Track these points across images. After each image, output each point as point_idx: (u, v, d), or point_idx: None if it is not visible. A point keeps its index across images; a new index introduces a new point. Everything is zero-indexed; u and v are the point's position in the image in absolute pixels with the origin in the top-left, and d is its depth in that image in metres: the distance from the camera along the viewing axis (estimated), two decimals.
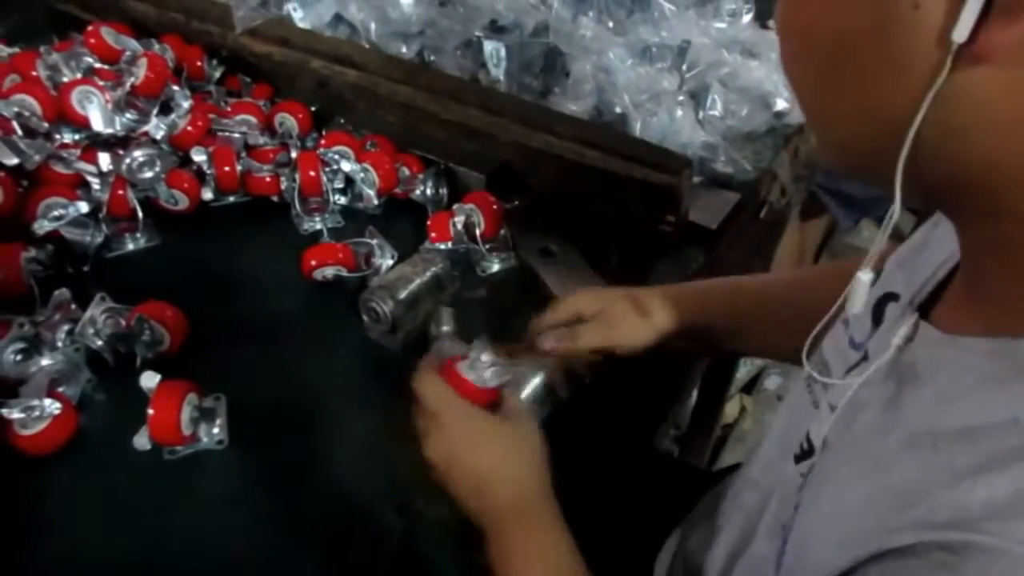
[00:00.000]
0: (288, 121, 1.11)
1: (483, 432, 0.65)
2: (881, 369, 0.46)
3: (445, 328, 0.85)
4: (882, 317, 0.52)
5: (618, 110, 1.10)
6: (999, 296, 0.40)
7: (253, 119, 1.10)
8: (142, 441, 0.74)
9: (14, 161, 0.90)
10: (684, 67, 1.18)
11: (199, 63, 1.18)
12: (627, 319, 0.78)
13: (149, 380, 0.74)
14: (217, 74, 1.20)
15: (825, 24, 0.38)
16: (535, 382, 0.78)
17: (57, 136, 0.97)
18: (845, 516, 0.41)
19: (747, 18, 1.35)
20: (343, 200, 1.05)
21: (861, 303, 0.48)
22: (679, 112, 1.12)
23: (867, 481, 0.41)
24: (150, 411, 0.72)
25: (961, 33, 0.32)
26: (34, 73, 1.02)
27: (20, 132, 0.93)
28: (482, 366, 0.66)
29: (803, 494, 0.49)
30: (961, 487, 0.35)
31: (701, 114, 1.16)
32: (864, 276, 0.47)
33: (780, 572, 0.48)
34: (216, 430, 0.76)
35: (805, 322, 0.67)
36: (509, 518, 0.63)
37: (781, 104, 1.21)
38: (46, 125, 0.96)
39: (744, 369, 1.99)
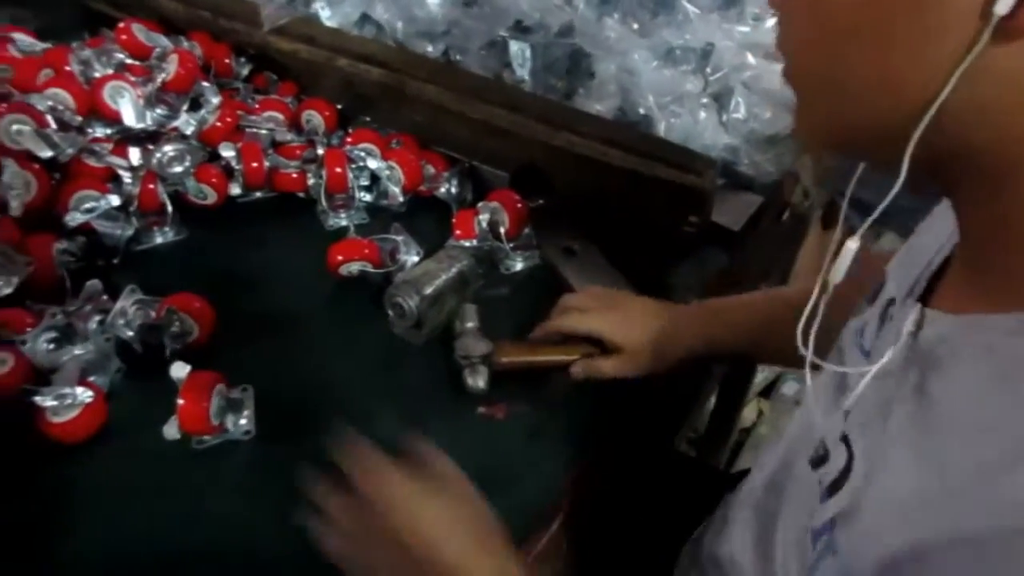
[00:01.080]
0: (315, 118, 1.12)
1: (422, 493, 0.59)
2: (897, 359, 0.45)
3: (469, 324, 0.86)
4: (885, 322, 0.52)
5: (642, 111, 1.11)
6: (1005, 270, 0.40)
7: (280, 116, 1.11)
8: (171, 431, 0.75)
9: (48, 154, 0.91)
10: (708, 69, 1.18)
11: (227, 60, 1.20)
12: (646, 360, 0.83)
13: (179, 371, 0.74)
14: (245, 71, 1.22)
15: None
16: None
17: (89, 130, 0.99)
18: (901, 510, 0.40)
19: (771, 21, 1.35)
20: (368, 197, 1.06)
21: (842, 272, 0.47)
22: (702, 114, 1.12)
23: (917, 472, 0.39)
24: (180, 401, 0.73)
25: (1004, 5, 0.32)
26: (67, 68, 1.04)
27: (54, 125, 0.94)
28: None
29: (842, 505, 0.48)
30: (1019, 470, 0.34)
31: (724, 116, 1.16)
32: (852, 244, 0.46)
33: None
34: (243, 421, 0.77)
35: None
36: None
37: None
38: (79, 119, 0.98)
39: (762, 374, 1.99)
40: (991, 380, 0.38)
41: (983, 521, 0.34)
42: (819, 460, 0.52)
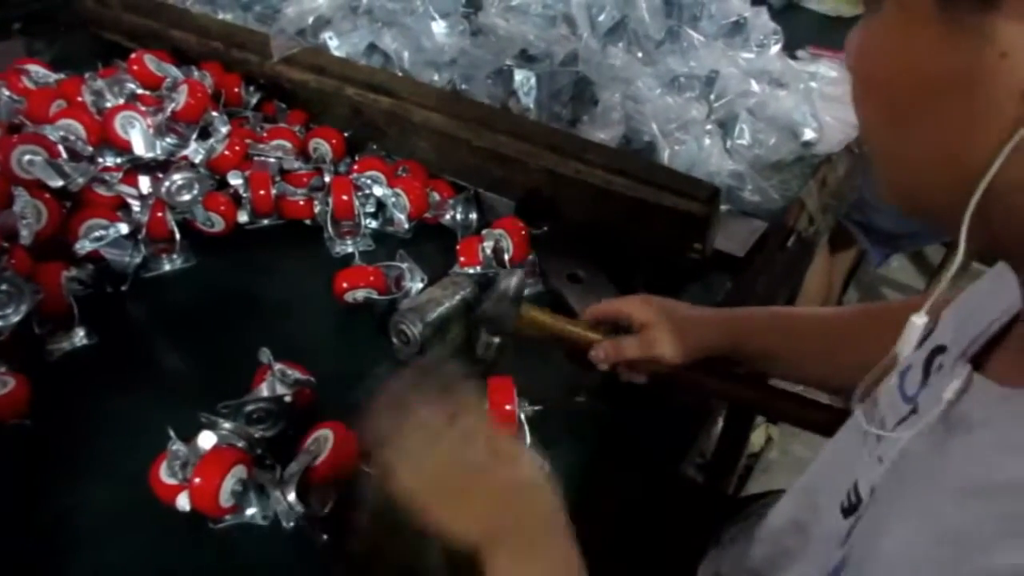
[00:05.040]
0: (322, 146, 1.13)
1: (515, 443, 0.63)
2: (931, 422, 0.45)
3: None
4: (931, 369, 0.52)
5: (647, 138, 1.12)
6: None
7: (288, 144, 1.13)
8: (183, 503, 0.71)
9: (59, 183, 0.93)
10: (712, 96, 1.19)
11: (237, 89, 1.22)
12: (667, 339, 0.79)
13: (205, 441, 0.72)
14: (254, 100, 1.24)
15: (906, 72, 0.39)
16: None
17: (100, 159, 1.00)
18: (907, 565, 0.40)
19: (775, 48, 1.36)
20: (374, 224, 1.07)
21: (911, 347, 0.48)
22: (707, 141, 1.13)
23: (921, 529, 0.40)
24: (195, 477, 0.69)
25: None
26: (79, 99, 1.06)
27: (65, 155, 0.96)
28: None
29: (853, 546, 0.48)
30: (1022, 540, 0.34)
31: (729, 143, 1.17)
32: (918, 320, 0.47)
33: None
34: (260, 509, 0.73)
35: (839, 356, 0.67)
36: (548, 531, 0.57)
37: (809, 134, 1.22)
38: (90, 149, 1.00)
39: None
40: (1010, 448, 0.39)
41: None
42: (851, 508, 0.52)
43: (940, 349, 0.52)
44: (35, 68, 1.14)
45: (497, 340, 0.82)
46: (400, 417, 0.58)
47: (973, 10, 0.35)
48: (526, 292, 0.99)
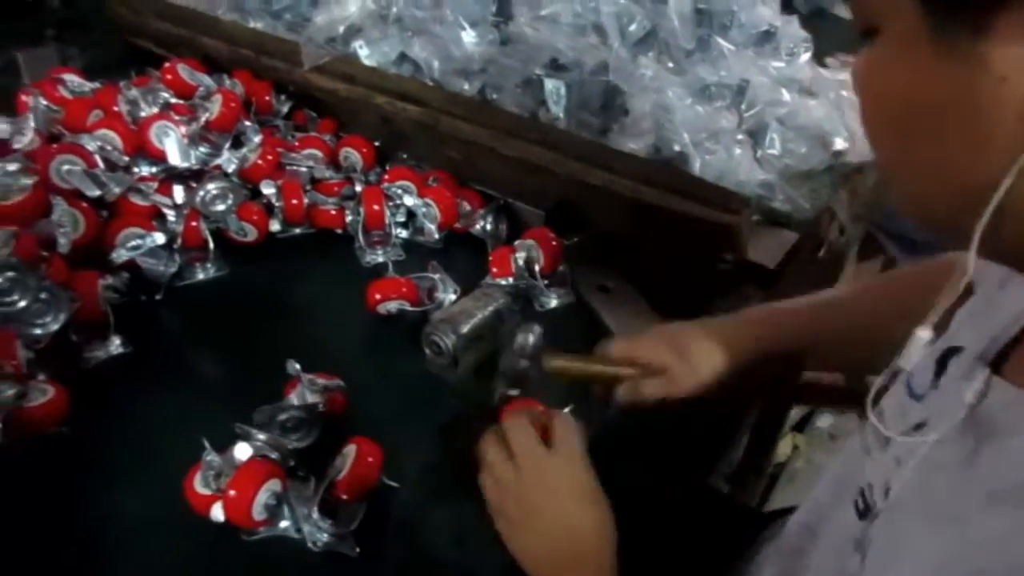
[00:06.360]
0: (352, 155, 1.14)
1: (576, 479, 0.65)
2: (955, 427, 0.45)
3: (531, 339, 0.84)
4: (944, 370, 0.52)
5: (677, 148, 1.11)
6: None
7: (319, 153, 1.14)
8: (217, 513, 0.71)
9: (96, 193, 0.94)
10: (743, 106, 1.19)
11: (267, 98, 1.22)
12: (687, 373, 0.79)
13: (241, 452, 0.72)
14: (285, 109, 1.24)
15: (907, 98, 0.39)
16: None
17: (136, 169, 1.02)
18: (936, 572, 0.40)
19: (805, 57, 1.36)
20: (404, 233, 1.08)
21: (913, 360, 0.48)
22: (737, 150, 1.12)
23: (949, 538, 0.40)
24: (230, 490, 0.70)
25: None
26: (115, 108, 1.07)
27: (102, 165, 0.97)
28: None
29: (872, 550, 0.48)
30: None
31: (759, 152, 1.16)
32: (923, 334, 0.47)
33: None
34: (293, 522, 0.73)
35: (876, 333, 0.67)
36: (595, 568, 0.63)
37: (839, 143, 1.21)
38: (126, 159, 1.01)
39: (796, 408, 1.96)
40: None
41: None
42: (866, 510, 0.52)
43: (954, 350, 0.52)
44: (71, 77, 1.15)
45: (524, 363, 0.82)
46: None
47: (966, 36, 0.35)
48: (555, 304, 0.99)
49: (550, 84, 1.15)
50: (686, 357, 0.79)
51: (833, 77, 1.34)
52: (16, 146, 1.00)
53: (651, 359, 0.79)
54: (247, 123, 1.10)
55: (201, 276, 1.00)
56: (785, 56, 1.31)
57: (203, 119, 1.05)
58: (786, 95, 1.21)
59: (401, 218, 1.07)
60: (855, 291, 0.87)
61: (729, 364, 0.79)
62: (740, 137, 1.15)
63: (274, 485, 0.71)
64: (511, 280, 0.96)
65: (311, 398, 0.79)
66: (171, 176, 1.02)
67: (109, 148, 1.00)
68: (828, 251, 1.16)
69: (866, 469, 0.54)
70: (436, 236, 1.06)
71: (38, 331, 0.83)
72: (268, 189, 1.04)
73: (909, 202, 0.44)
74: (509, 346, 0.83)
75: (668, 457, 0.87)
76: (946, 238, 0.45)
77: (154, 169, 1.02)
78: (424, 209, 1.05)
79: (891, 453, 0.51)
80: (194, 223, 0.97)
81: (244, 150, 1.06)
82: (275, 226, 1.05)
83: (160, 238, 0.94)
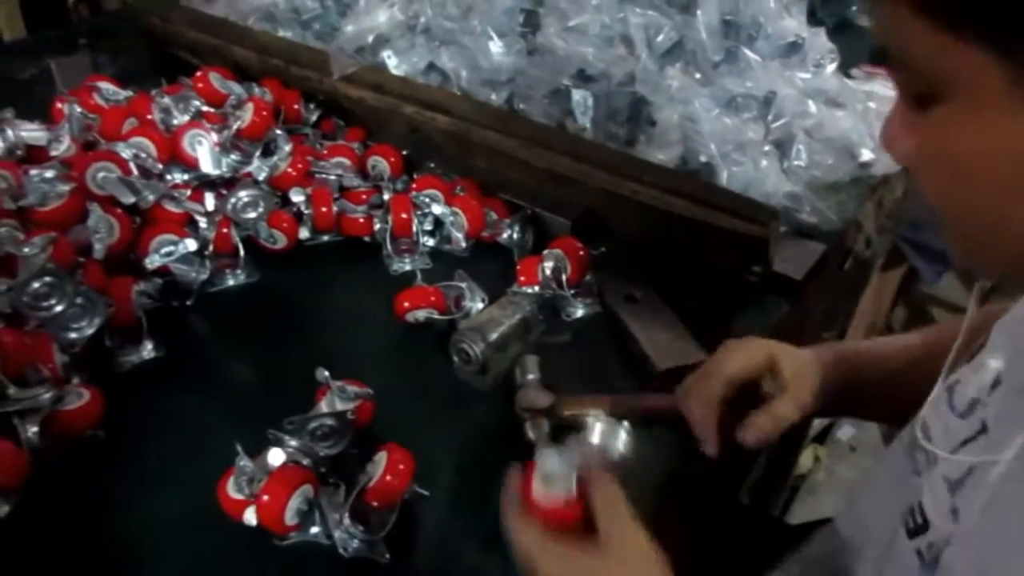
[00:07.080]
0: (380, 164, 1.15)
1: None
2: (1013, 448, 0.44)
3: (531, 376, 0.86)
4: (991, 385, 0.51)
5: (704, 159, 1.12)
6: None
7: (347, 161, 1.15)
8: (250, 517, 0.72)
9: (131, 200, 0.95)
10: (769, 117, 1.19)
11: (296, 106, 1.24)
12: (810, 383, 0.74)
13: (275, 458, 0.73)
14: (313, 117, 1.26)
15: (991, 161, 0.38)
16: (614, 432, 0.73)
17: (169, 177, 1.03)
18: None
19: (831, 68, 1.35)
20: (432, 242, 1.08)
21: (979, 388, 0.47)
22: (764, 162, 1.13)
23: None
24: (264, 495, 0.70)
25: None
26: (149, 116, 1.08)
27: (136, 172, 0.98)
28: (552, 478, 0.59)
29: (948, 572, 0.48)
30: None
31: (786, 164, 1.16)
32: (994, 363, 0.46)
33: None
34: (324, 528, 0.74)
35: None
36: None
37: (866, 154, 1.20)
38: (160, 166, 1.02)
39: (818, 420, 1.96)
40: None
41: None
42: (917, 529, 0.51)
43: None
44: (105, 85, 1.17)
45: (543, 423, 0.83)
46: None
47: None
48: (582, 313, 0.99)
49: (577, 95, 1.16)
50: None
51: (859, 88, 1.34)
52: (53, 153, 1.02)
53: (784, 369, 0.74)
54: (277, 132, 1.11)
55: (231, 282, 1.02)
56: (812, 67, 1.31)
57: (235, 127, 1.06)
58: (813, 106, 1.21)
59: (429, 226, 1.08)
60: (899, 347, 0.82)
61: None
62: (767, 148, 1.15)
63: (306, 491, 0.72)
64: (538, 289, 0.97)
65: (341, 405, 0.80)
66: (203, 184, 1.04)
67: (144, 156, 1.01)
68: (854, 262, 1.16)
69: (914, 487, 0.53)
70: (463, 245, 1.07)
71: (74, 335, 0.84)
72: (298, 197, 1.05)
73: (986, 259, 0.44)
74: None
75: (698, 472, 0.87)
76: (1001, 280, 0.45)
77: (187, 176, 1.03)
78: (452, 218, 1.06)
79: (938, 471, 0.51)
80: (225, 230, 0.98)
81: (275, 158, 1.07)
82: (304, 233, 1.06)
83: (192, 244, 0.95)
